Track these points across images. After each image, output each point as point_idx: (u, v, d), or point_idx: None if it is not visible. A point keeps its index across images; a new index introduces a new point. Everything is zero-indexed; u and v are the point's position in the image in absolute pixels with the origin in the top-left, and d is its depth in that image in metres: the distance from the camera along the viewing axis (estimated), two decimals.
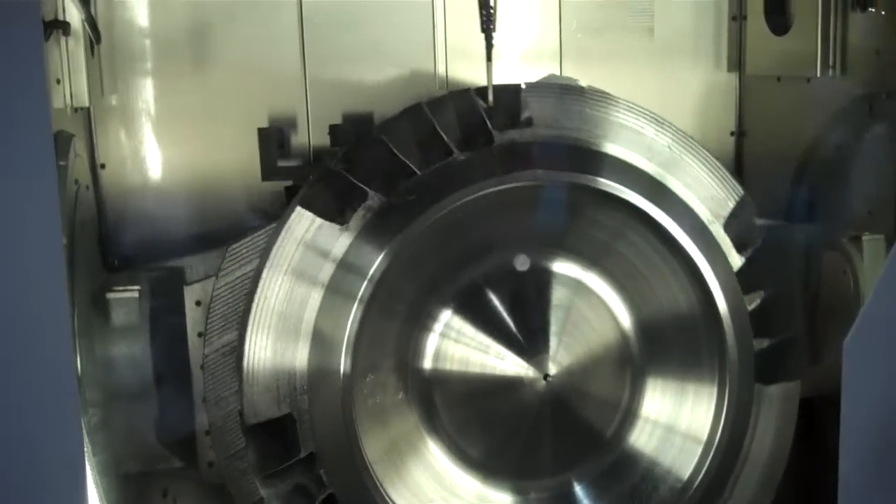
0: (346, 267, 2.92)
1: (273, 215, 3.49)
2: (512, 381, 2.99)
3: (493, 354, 2.99)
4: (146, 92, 3.76)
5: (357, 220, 2.96)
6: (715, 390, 3.06)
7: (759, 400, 3.16)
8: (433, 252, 2.96)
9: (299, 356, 2.93)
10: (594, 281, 3.10)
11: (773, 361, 3.15)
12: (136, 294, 2.92)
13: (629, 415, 3.11)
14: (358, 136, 3.35)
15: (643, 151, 3.14)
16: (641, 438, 3.12)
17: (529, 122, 3.06)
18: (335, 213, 2.99)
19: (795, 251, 3.41)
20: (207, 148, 3.82)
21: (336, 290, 2.91)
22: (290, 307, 2.95)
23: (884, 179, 3.24)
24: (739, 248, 3.16)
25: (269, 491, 2.97)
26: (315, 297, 2.93)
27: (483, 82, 3.30)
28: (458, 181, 2.95)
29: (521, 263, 2.96)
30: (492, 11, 3.08)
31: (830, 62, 3.52)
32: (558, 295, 3.05)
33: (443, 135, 3.01)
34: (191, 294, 3.30)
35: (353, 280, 2.87)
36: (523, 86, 3.18)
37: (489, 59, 3.17)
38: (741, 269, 3.16)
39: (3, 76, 2.02)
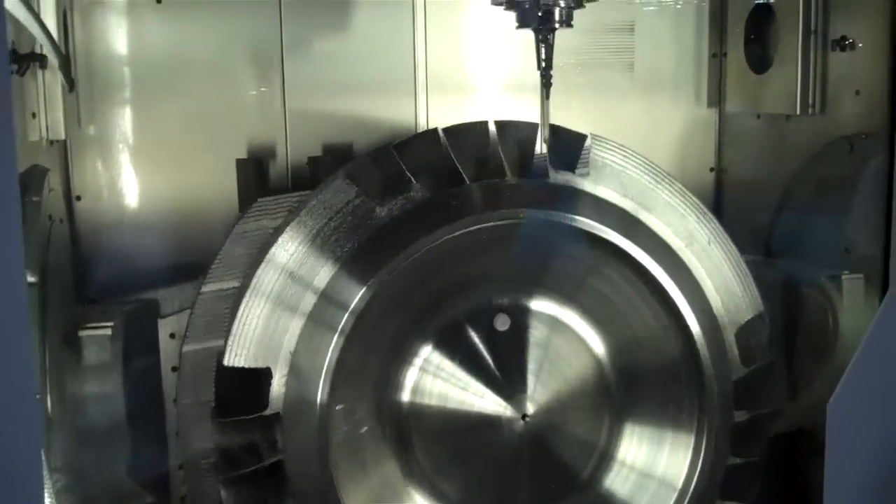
0: (328, 298, 2.89)
1: None
2: (490, 420, 2.96)
3: (472, 392, 2.96)
4: (124, 123, 3.73)
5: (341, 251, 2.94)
6: (693, 438, 3.04)
7: None
8: (414, 287, 2.93)
9: (300, 310, 2.90)
10: (573, 318, 3.07)
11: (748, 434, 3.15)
12: (108, 331, 2.87)
13: (606, 457, 3.08)
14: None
15: (617, 188, 3.13)
16: (617, 482, 3.09)
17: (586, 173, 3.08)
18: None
19: (774, 288, 3.41)
20: (185, 179, 3.80)
21: (317, 320, 2.88)
22: (269, 333, 2.91)
23: (863, 219, 3.24)
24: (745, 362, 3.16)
25: (222, 439, 2.93)
26: (295, 326, 2.89)
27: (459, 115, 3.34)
28: (438, 218, 2.92)
29: (502, 323, 2.94)
30: (551, 47, 3.08)
31: (810, 101, 3.54)
32: (537, 333, 3.03)
33: (458, 165, 3.00)
34: (165, 327, 3.26)
35: (334, 312, 2.84)
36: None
37: (546, 97, 3.17)
38: None
39: None
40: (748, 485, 3.19)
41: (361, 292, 2.81)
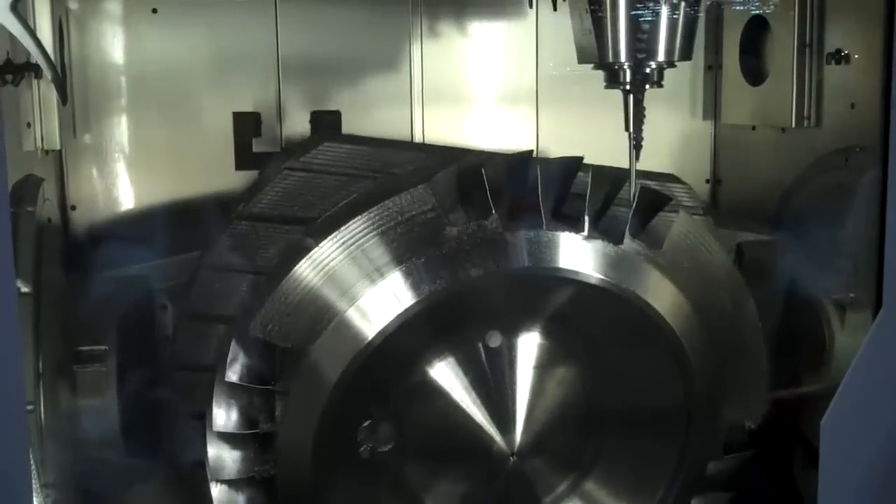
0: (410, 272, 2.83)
1: None
2: (479, 453, 2.96)
3: (465, 422, 2.95)
4: (119, 132, 3.73)
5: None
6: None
7: None
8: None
9: (337, 306, 2.79)
10: (567, 357, 3.06)
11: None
12: (103, 368, 2.86)
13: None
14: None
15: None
16: None
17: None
18: None
19: (768, 303, 3.40)
20: (180, 189, 3.80)
21: (394, 284, 2.80)
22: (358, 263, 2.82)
23: (858, 232, 3.24)
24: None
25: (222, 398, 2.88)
26: (379, 273, 2.79)
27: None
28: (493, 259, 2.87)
29: (494, 341, 2.92)
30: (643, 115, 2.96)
31: (805, 113, 3.55)
32: (533, 370, 3.02)
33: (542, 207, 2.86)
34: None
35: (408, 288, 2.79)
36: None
37: (636, 159, 3.02)
38: None
39: None
40: None
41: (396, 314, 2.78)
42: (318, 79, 3.81)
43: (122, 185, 3.75)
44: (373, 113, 3.88)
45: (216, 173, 3.72)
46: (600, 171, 3.04)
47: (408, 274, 2.76)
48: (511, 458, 2.95)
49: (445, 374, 2.93)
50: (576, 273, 2.84)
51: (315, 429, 2.77)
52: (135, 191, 3.76)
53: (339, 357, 2.74)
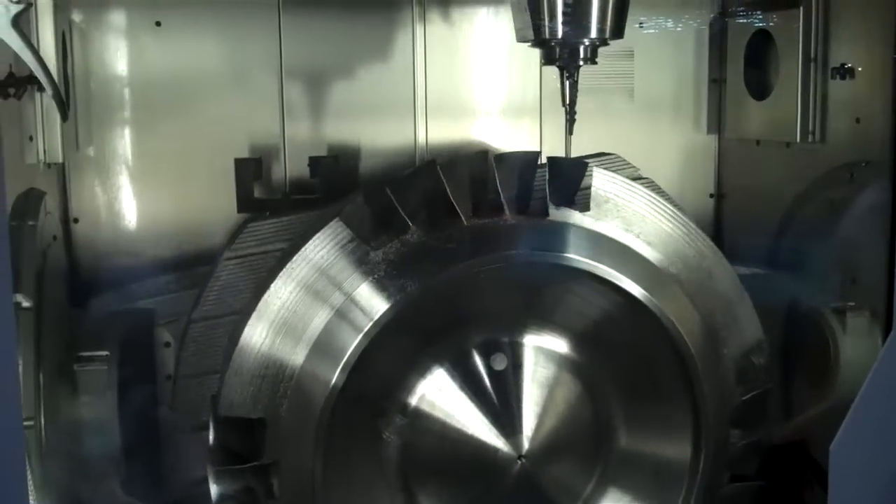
0: (355, 302, 2.86)
1: None
2: (486, 456, 2.94)
3: (471, 424, 2.95)
4: (122, 145, 3.73)
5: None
6: (688, 465, 3.03)
7: None
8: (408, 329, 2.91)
9: (293, 360, 2.87)
10: (576, 358, 3.05)
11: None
12: (104, 366, 2.85)
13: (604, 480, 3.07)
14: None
15: (619, 223, 3.12)
16: None
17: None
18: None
19: (773, 317, 3.39)
20: (183, 202, 3.79)
21: (343, 317, 2.84)
22: (298, 312, 2.89)
23: (864, 247, 3.23)
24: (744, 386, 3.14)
25: (218, 486, 2.88)
26: (322, 315, 2.86)
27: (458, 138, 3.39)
28: (432, 263, 2.90)
29: (499, 363, 2.91)
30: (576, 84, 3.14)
31: (810, 128, 3.53)
32: (540, 371, 3.01)
33: (455, 205, 2.95)
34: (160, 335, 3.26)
35: (360, 315, 2.81)
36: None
37: (570, 133, 3.25)
38: None
39: None
40: None
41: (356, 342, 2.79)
42: (322, 89, 3.80)
43: (124, 198, 3.74)
44: (376, 124, 3.87)
45: (219, 186, 3.70)
46: (502, 157, 3.18)
47: (348, 310, 2.79)
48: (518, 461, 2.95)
49: (436, 386, 2.94)
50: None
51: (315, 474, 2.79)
52: (137, 203, 3.75)
53: (313, 409, 2.77)
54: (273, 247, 3.08)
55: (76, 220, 3.69)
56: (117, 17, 3.69)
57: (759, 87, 3.84)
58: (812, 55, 3.50)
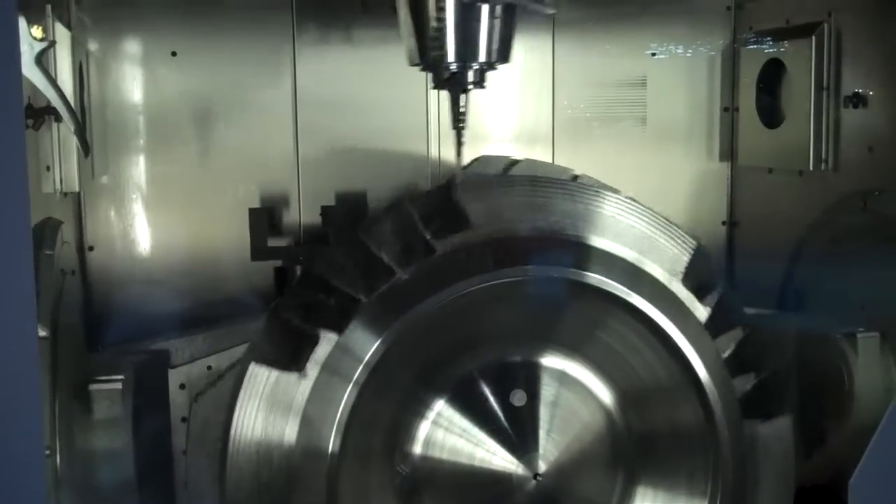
0: (342, 349, 2.86)
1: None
2: (501, 479, 2.93)
3: (484, 449, 2.94)
4: (137, 174, 3.76)
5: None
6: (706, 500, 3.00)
7: None
8: (427, 341, 2.91)
9: (287, 433, 2.87)
10: (584, 374, 3.04)
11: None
12: (118, 385, 2.86)
13: None
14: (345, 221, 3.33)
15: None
16: None
17: (468, 225, 2.98)
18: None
19: (786, 343, 3.38)
20: (198, 229, 3.82)
21: (331, 371, 2.85)
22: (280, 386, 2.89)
23: (878, 275, 3.22)
24: (700, 297, 3.08)
25: None
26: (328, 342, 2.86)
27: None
28: (446, 276, 2.90)
29: (519, 399, 2.91)
30: (462, 112, 3.11)
31: (823, 156, 3.54)
32: (548, 390, 3.00)
33: (383, 256, 2.93)
34: (175, 377, 3.26)
35: (348, 363, 2.81)
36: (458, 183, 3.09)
37: (459, 154, 3.20)
38: (730, 357, 3.10)
39: None
40: None
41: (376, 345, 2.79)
42: (336, 117, 3.83)
43: (139, 226, 3.76)
44: (390, 151, 3.89)
45: (233, 214, 3.73)
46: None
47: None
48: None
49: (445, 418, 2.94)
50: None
51: None
52: (152, 231, 3.78)
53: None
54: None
55: (91, 248, 3.71)
56: (133, 47, 3.73)
57: (772, 116, 3.85)
58: (824, 84, 3.52)
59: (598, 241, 3.01)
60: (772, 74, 3.84)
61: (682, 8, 4.08)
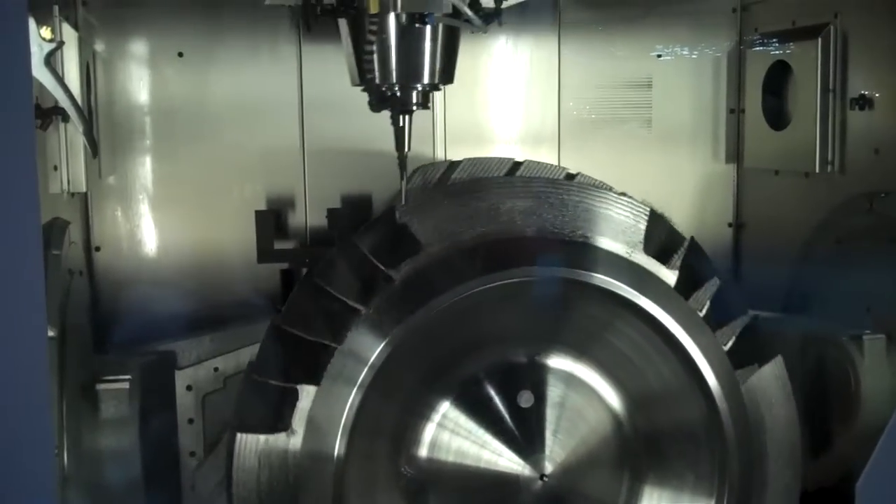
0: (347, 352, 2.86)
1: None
2: (508, 480, 2.93)
3: (490, 450, 2.94)
4: (144, 174, 3.76)
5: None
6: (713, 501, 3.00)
7: None
8: (431, 343, 2.91)
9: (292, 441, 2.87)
10: (588, 374, 3.04)
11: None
12: (126, 385, 2.87)
13: None
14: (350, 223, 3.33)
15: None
16: None
17: (418, 249, 2.95)
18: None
19: (792, 345, 3.38)
20: (204, 230, 3.83)
21: (336, 377, 2.85)
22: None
23: (884, 277, 3.22)
24: (664, 260, 3.02)
25: None
26: (307, 396, 2.86)
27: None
28: (450, 277, 2.90)
29: (526, 400, 2.91)
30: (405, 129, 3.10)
31: (829, 158, 3.54)
32: (553, 390, 3.00)
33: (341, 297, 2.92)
34: (182, 379, 3.27)
35: (353, 366, 2.82)
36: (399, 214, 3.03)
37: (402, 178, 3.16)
38: (733, 350, 3.09)
39: None
40: None
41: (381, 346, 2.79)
42: (340, 117, 3.82)
43: (145, 226, 3.77)
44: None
45: (240, 215, 3.73)
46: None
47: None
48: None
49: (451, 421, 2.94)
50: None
51: None
52: (159, 231, 3.78)
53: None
54: None
55: (98, 249, 3.72)
56: (140, 48, 3.74)
57: (778, 117, 3.85)
58: (831, 86, 3.52)
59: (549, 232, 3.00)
60: (778, 76, 3.84)
61: (687, 10, 4.08)
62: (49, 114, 2.84)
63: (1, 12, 1.93)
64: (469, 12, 2.77)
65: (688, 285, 2.99)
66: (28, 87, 1.98)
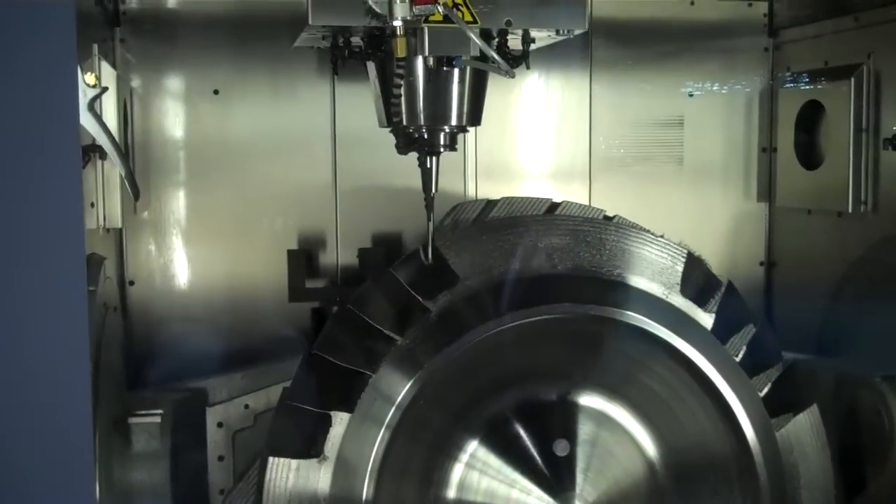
0: (375, 391, 2.87)
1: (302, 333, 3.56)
2: None
3: (519, 489, 2.93)
4: (178, 210, 3.80)
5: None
6: None
7: None
8: (461, 382, 2.92)
9: (322, 481, 2.87)
10: (621, 414, 3.03)
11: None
12: (157, 419, 2.89)
13: None
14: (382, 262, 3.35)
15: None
16: None
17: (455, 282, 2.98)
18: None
19: (825, 385, 3.36)
20: (237, 266, 3.85)
21: (363, 415, 2.86)
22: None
23: None
24: (700, 303, 3.03)
25: None
26: (341, 422, 2.87)
27: None
28: (486, 311, 2.91)
29: (562, 449, 2.90)
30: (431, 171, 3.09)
31: (862, 198, 3.52)
32: (585, 429, 2.99)
33: (377, 326, 2.93)
34: (213, 416, 3.28)
35: (380, 405, 2.83)
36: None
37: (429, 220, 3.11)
38: (769, 397, 3.07)
39: (39, 202, 2.04)
40: None
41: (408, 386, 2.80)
42: (374, 153, 3.83)
43: (178, 262, 3.80)
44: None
45: (272, 251, 3.76)
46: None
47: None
48: None
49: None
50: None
51: None
52: (192, 266, 3.81)
53: None
54: None
55: (132, 283, 3.76)
56: (176, 84, 3.79)
57: (810, 156, 3.84)
58: (863, 125, 3.51)
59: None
60: (810, 115, 3.83)
61: (718, 48, 4.09)
62: (87, 151, 2.88)
63: (51, 60, 1.97)
64: (496, 56, 2.77)
65: (723, 329, 2.98)
66: (75, 134, 2.03)
